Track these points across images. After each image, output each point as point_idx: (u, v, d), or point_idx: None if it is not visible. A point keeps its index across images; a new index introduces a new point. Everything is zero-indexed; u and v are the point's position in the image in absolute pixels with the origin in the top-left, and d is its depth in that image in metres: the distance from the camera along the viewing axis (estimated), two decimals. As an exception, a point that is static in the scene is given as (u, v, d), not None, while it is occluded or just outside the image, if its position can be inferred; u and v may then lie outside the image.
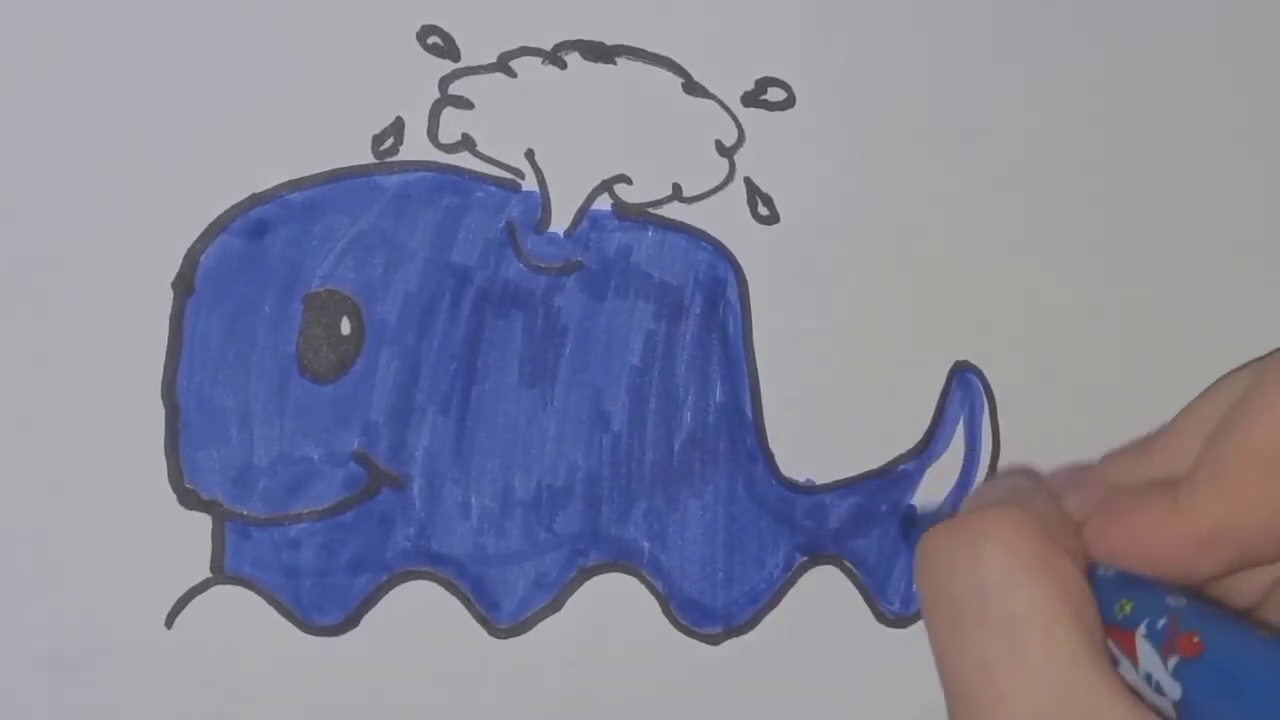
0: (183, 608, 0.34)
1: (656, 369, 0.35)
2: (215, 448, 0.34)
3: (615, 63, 0.34)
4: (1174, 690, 0.26)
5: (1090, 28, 0.36)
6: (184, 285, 0.33)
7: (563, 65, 0.34)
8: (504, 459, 0.35)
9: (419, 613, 0.34)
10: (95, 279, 0.33)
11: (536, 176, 0.34)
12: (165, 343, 0.33)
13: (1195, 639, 0.26)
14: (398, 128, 0.34)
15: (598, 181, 0.34)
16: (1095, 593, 0.28)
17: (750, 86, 0.35)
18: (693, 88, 0.34)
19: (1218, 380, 0.31)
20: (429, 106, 0.34)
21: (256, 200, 0.33)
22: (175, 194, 0.33)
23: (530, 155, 0.34)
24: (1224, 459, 0.27)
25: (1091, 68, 0.36)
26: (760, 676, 0.36)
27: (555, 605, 0.35)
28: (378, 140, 0.34)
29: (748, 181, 0.35)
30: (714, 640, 0.35)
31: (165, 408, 0.33)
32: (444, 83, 0.34)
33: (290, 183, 0.34)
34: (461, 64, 0.34)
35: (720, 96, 0.35)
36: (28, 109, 0.33)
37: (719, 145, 0.35)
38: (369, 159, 0.34)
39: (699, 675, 0.35)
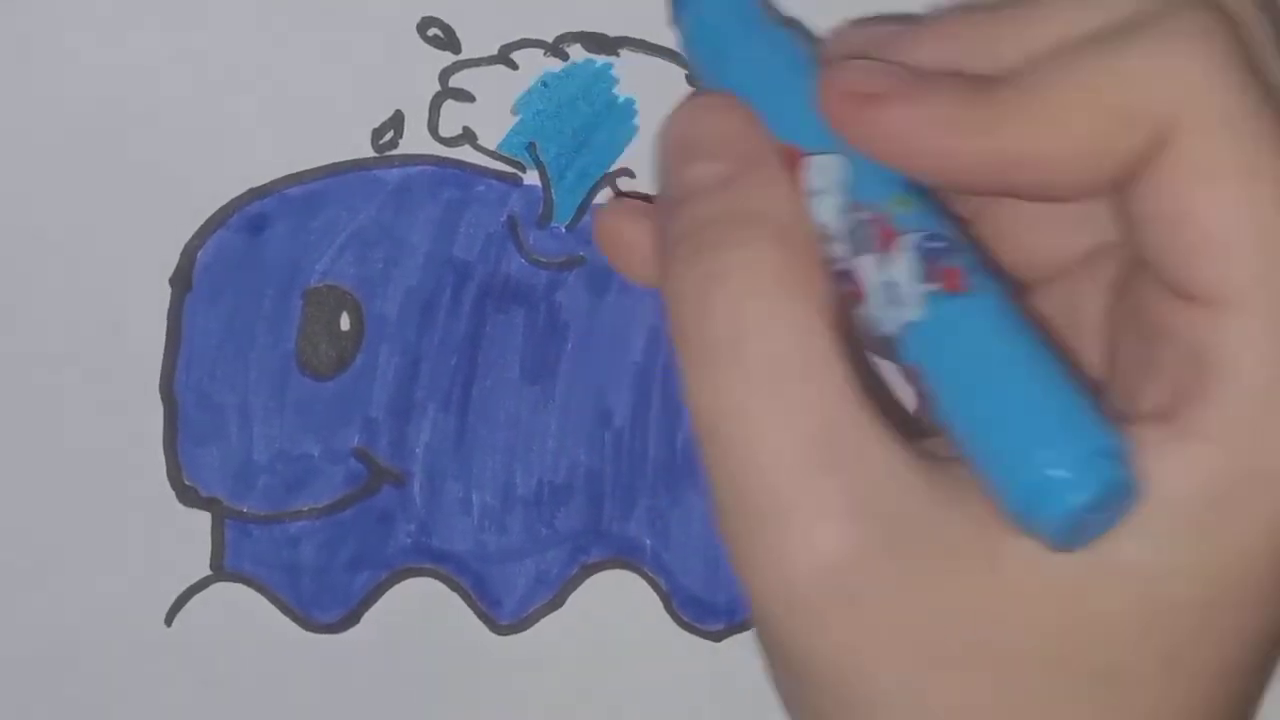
0: (182, 605, 0.34)
1: (659, 364, 0.35)
2: (215, 445, 0.33)
3: (618, 54, 0.34)
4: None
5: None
6: (182, 281, 0.33)
7: (565, 57, 0.34)
8: (505, 455, 0.34)
9: (420, 610, 0.34)
10: (93, 275, 0.33)
11: (538, 170, 0.34)
12: (164, 339, 0.33)
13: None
14: (398, 121, 0.33)
15: (600, 175, 0.34)
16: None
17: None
18: (696, 80, 0.34)
19: None
20: (429, 99, 0.33)
21: (255, 195, 0.33)
22: (173, 189, 0.33)
23: (532, 149, 0.34)
24: (1067, 85, 0.24)
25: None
26: (762, 673, 0.35)
27: (557, 602, 0.35)
28: (377, 134, 0.33)
29: (752, 175, 0.34)
30: (716, 637, 0.35)
31: (164, 405, 0.33)
32: (444, 75, 0.33)
33: (289, 177, 0.33)
34: (462, 56, 0.33)
35: (724, 89, 0.34)
36: (24, 104, 0.32)
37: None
38: (369, 153, 0.33)
39: (701, 672, 0.35)
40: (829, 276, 0.26)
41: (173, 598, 0.34)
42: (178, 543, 0.33)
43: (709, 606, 0.35)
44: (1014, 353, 0.24)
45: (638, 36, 0.34)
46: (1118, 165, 0.24)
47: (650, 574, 0.35)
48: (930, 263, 0.25)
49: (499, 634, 0.35)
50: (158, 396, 0.33)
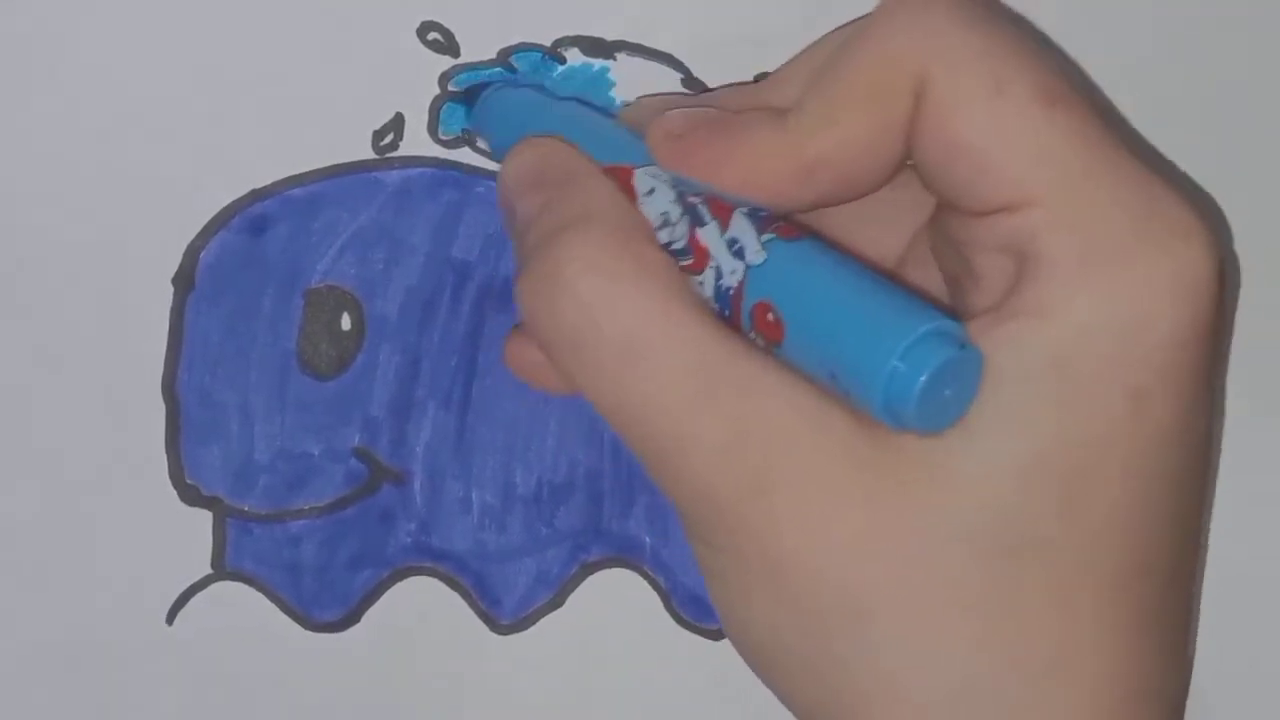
0: (184, 604, 0.34)
1: (657, 364, 0.35)
2: (216, 444, 0.34)
3: (615, 58, 0.34)
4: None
5: (1095, 30, 0.36)
6: (184, 281, 0.33)
7: (562, 61, 0.34)
8: (505, 454, 0.35)
9: (420, 609, 0.34)
10: (96, 275, 0.33)
11: (537, 172, 0.34)
12: (166, 339, 0.33)
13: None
14: (398, 124, 0.34)
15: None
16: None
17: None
18: (692, 83, 0.34)
19: (837, 28, 0.31)
20: (429, 102, 0.34)
21: (257, 196, 0.33)
22: (175, 190, 0.33)
23: (530, 150, 0.34)
24: (832, 84, 0.27)
25: (1092, 70, 0.36)
26: (763, 672, 0.36)
27: (557, 601, 0.35)
28: (378, 136, 0.34)
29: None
30: (716, 635, 0.35)
31: (166, 404, 0.33)
32: (444, 79, 0.34)
33: (290, 179, 0.34)
34: (461, 59, 0.34)
35: (720, 91, 0.35)
36: (27, 105, 0.33)
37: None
38: (369, 155, 0.34)
39: (701, 670, 0.35)
40: (663, 251, 0.28)
41: (174, 596, 0.34)
42: (179, 541, 0.34)
43: (709, 605, 0.35)
44: (846, 275, 0.26)
45: (634, 40, 0.34)
46: (898, 129, 0.26)
47: (650, 573, 0.35)
48: (763, 222, 0.27)
49: (499, 633, 0.35)
50: (159, 396, 0.33)
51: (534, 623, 0.35)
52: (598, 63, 0.34)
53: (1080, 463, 0.25)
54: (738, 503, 0.26)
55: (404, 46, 0.34)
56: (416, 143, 0.34)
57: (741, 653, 0.28)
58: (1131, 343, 0.25)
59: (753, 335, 0.27)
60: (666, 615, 0.35)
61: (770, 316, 0.27)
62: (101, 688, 0.33)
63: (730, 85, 0.33)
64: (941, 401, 0.25)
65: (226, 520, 0.34)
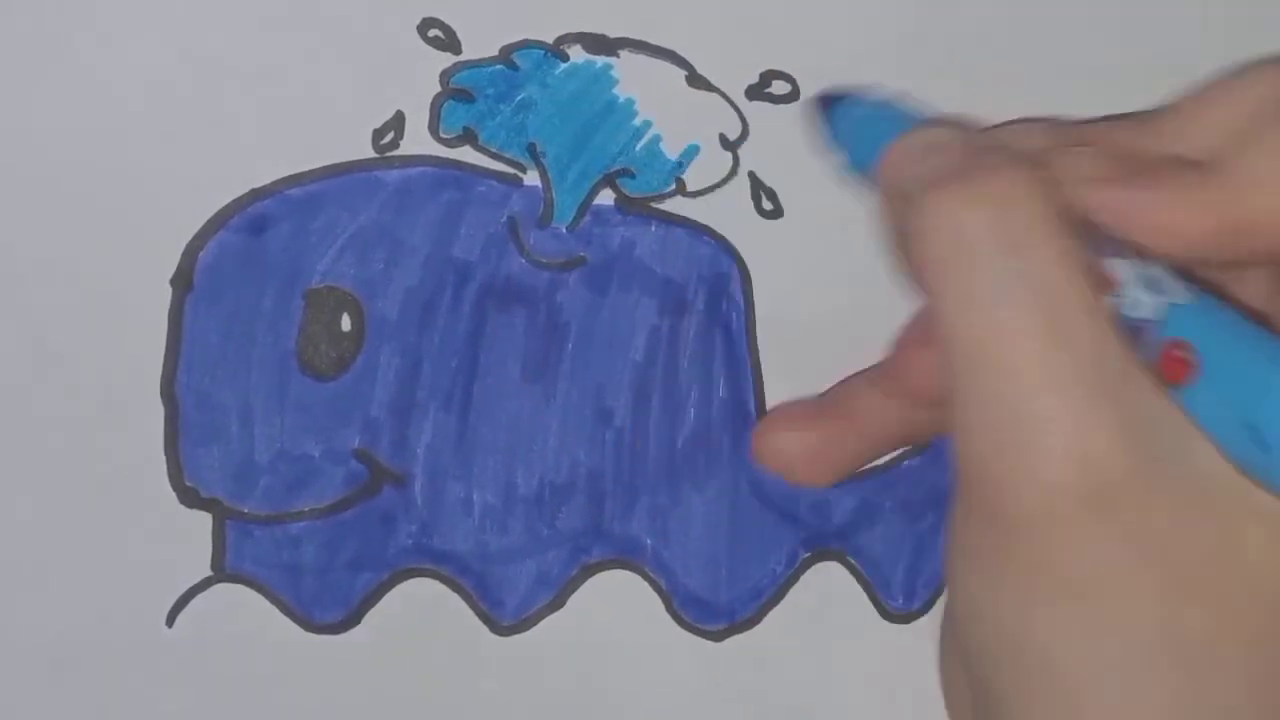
0: (184, 606, 0.34)
1: (659, 364, 0.35)
2: (215, 445, 0.33)
3: (618, 55, 0.34)
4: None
5: (1095, 27, 0.35)
6: (183, 282, 0.33)
7: (564, 58, 0.34)
8: (506, 455, 0.34)
9: (421, 610, 0.34)
10: (94, 275, 0.33)
11: (539, 171, 0.34)
12: (164, 340, 0.33)
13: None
14: (398, 122, 0.33)
15: (600, 175, 0.34)
16: None
17: (755, 80, 0.34)
18: (696, 81, 0.34)
19: (1239, 68, 0.29)
20: (430, 100, 0.33)
21: (256, 196, 0.33)
22: (174, 190, 0.33)
23: (533, 149, 0.34)
24: (1271, 142, 0.26)
25: (1097, 65, 0.36)
26: (763, 672, 0.36)
27: (558, 602, 0.35)
28: (378, 135, 0.33)
29: (752, 176, 0.35)
30: (717, 636, 0.35)
31: (165, 405, 0.33)
32: (445, 76, 0.33)
33: (290, 178, 0.33)
34: (463, 57, 0.33)
35: (724, 90, 0.34)
36: (26, 105, 0.32)
37: (723, 139, 0.34)
38: (369, 154, 0.33)
39: (702, 672, 0.35)
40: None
41: (174, 598, 0.33)
42: (179, 543, 0.33)
43: (710, 606, 0.35)
44: (1267, 333, 0.25)
45: (637, 37, 0.34)
46: None
47: (651, 574, 0.35)
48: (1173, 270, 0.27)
49: (500, 634, 0.35)
50: (159, 397, 0.33)
51: (535, 624, 0.35)
52: (600, 60, 0.34)
53: None
54: (1071, 515, 0.25)
55: (405, 44, 0.33)
56: (417, 142, 0.34)
57: (969, 643, 0.27)
58: None
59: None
60: (667, 616, 0.35)
61: (1184, 356, 0.26)
62: (101, 689, 0.33)
63: (1108, 118, 0.32)
64: None
65: (226, 522, 0.34)
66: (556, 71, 0.34)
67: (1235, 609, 0.25)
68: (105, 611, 0.33)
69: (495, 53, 0.34)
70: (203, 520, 0.34)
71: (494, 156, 0.34)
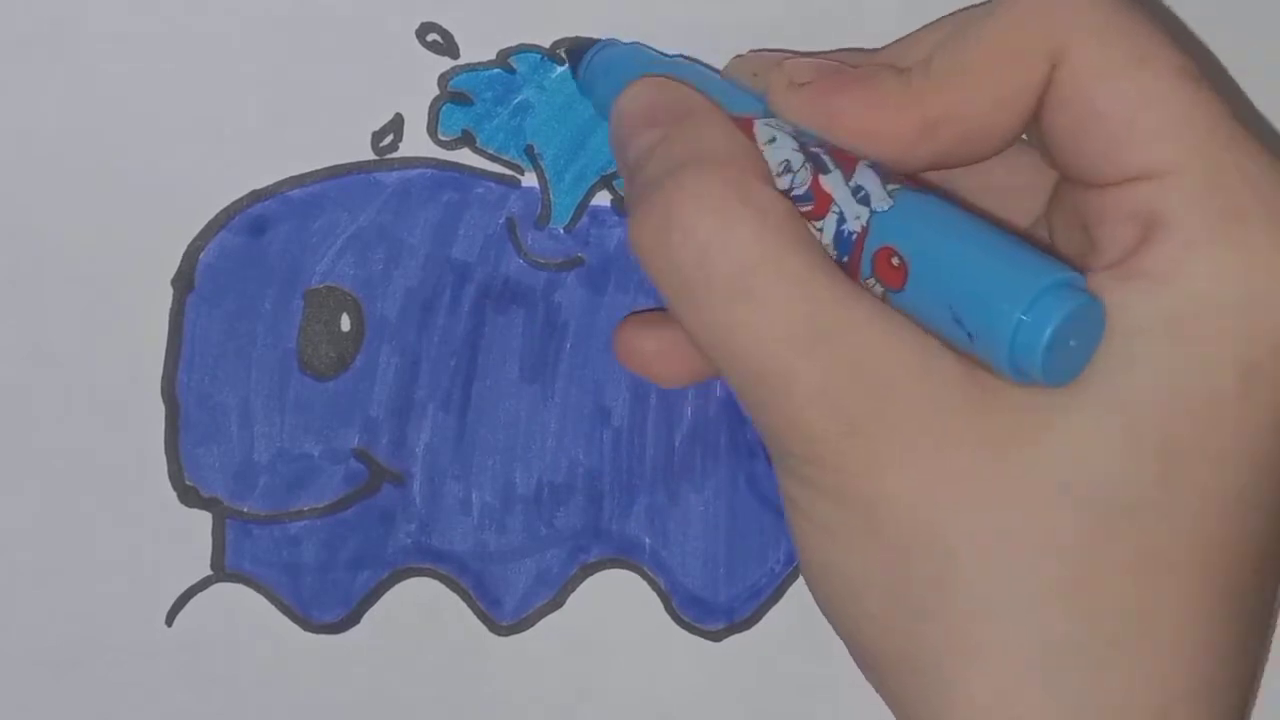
0: (183, 605, 0.34)
1: (657, 365, 0.35)
2: (215, 445, 0.34)
3: (614, 59, 0.34)
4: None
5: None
6: (184, 282, 0.33)
7: (562, 61, 0.34)
8: (505, 455, 0.35)
9: (420, 610, 0.34)
10: (95, 276, 0.33)
11: (536, 172, 0.34)
12: (165, 340, 0.33)
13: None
14: (397, 124, 0.34)
15: (598, 177, 0.35)
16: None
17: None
18: (692, 83, 0.35)
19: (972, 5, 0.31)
20: (428, 104, 0.34)
21: (256, 197, 0.33)
22: (175, 191, 0.33)
23: (530, 151, 0.34)
24: (964, 43, 0.27)
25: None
26: (763, 672, 0.36)
27: (557, 602, 0.35)
28: (377, 137, 0.34)
29: (747, 176, 0.35)
30: (716, 636, 0.35)
31: (165, 405, 0.33)
32: (443, 80, 0.34)
33: (290, 179, 0.34)
34: (461, 61, 0.34)
35: (719, 92, 0.35)
36: (28, 106, 0.33)
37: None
38: (369, 156, 0.34)
39: (701, 671, 0.35)
40: (780, 193, 0.28)
41: (173, 598, 0.34)
42: (178, 543, 0.34)
43: (708, 606, 0.35)
44: (972, 227, 0.26)
45: (634, 40, 0.34)
46: (1028, 95, 0.27)
47: (650, 573, 0.35)
48: (887, 175, 0.27)
49: (499, 634, 0.35)
50: (159, 397, 0.33)
51: (534, 623, 0.35)
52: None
53: (1185, 433, 0.25)
54: (838, 440, 0.26)
55: (403, 47, 0.34)
56: (416, 143, 0.34)
57: (817, 598, 0.28)
58: (1248, 318, 0.25)
59: (871, 282, 0.27)
60: (666, 616, 0.35)
61: (894, 261, 0.26)
62: (101, 689, 0.33)
63: (849, 49, 0.33)
64: (1065, 355, 0.25)
65: (226, 521, 0.34)
66: (553, 74, 0.34)
67: (1037, 503, 0.25)
68: (105, 610, 0.33)
69: (493, 56, 0.34)
70: (202, 520, 0.34)
71: (492, 159, 0.34)
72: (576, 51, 0.34)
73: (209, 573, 0.34)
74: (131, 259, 0.33)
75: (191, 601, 0.34)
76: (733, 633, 0.35)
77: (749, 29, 0.35)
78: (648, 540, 0.35)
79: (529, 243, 0.34)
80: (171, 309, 0.33)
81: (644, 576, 0.35)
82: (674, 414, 0.35)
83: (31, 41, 0.32)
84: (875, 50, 0.32)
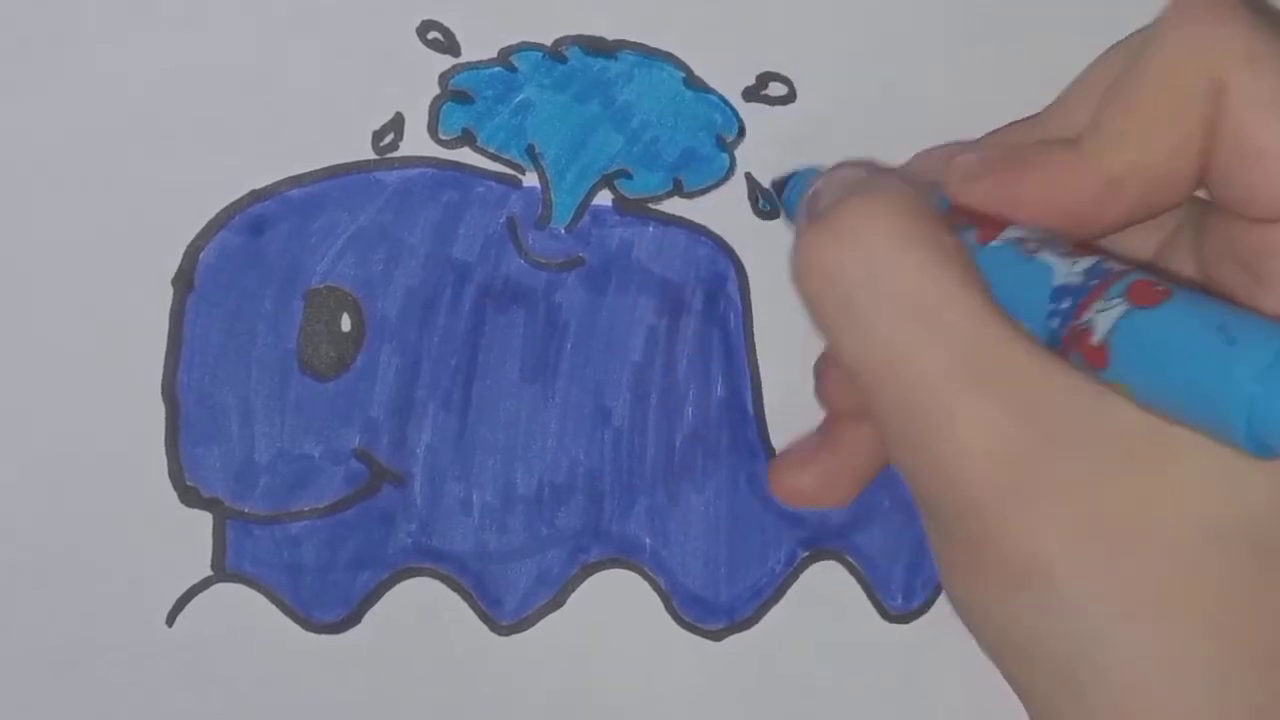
0: (184, 606, 0.34)
1: (658, 364, 0.35)
2: (216, 445, 0.34)
3: (616, 57, 0.34)
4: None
5: (1094, 25, 0.36)
6: (184, 282, 0.33)
7: (563, 60, 0.34)
8: (505, 455, 0.34)
9: (421, 610, 0.34)
10: (95, 276, 0.33)
11: (537, 172, 0.34)
12: (165, 340, 0.33)
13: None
14: (398, 124, 0.34)
15: (599, 176, 0.34)
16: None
17: (751, 81, 0.35)
18: (694, 82, 0.34)
19: (1104, 52, 0.30)
20: (429, 102, 0.34)
21: (256, 197, 0.33)
22: (175, 190, 0.33)
23: (531, 150, 0.34)
24: (1127, 101, 0.27)
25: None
26: (763, 672, 0.36)
27: (557, 602, 0.35)
28: (378, 136, 0.34)
29: (748, 177, 0.35)
30: (716, 636, 0.35)
31: (165, 405, 0.33)
32: (444, 78, 0.34)
33: (290, 179, 0.33)
34: (462, 59, 0.34)
35: (721, 91, 0.35)
36: (27, 106, 0.32)
37: (720, 140, 0.35)
38: (369, 155, 0.34)
39: (702, 671, 0.35)
40: (951, 230, 0.27)
41: (174, 598, 0.34)
42: (179, 543, 0.33)
43: (709, 606, 0.35)
44: (1186, 299, 0.25)
45: (635, 39, 0.34)
46: (1201, 133, 0.26)
47: (650, 573, 0.35)
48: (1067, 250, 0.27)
49: (499, 634, 0.35)
50: (159, 397, 0.33)
51: (534, 623, 0.35)
52: (598, 61, 0.34)
53: None
54: (996, 503, 0.25)
55: (404, 46, 0.34)
56: (416, 143, 0.34)
57: (980, 643, 0.28)
58: None
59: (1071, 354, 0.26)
60: (666, 616, 0.35)
61: (1093, 340, 0.25)
62: (101, 689, 0.33)
63: (1009, 124, 0.33)
64: None
65: (226, 522, 0.34)
66: (555, 73, 0.34)
67: (1188, 552, 0.25)
68: (105, 611, 0.33)
69: (494, 55, 0.34)
70: (203, 520, 0.34)
71: (493, 158, 0.34)
72: (780, 181, 0.34)
73: (210, 573, 0.34)
74: (131, 259, 0.33)
75: (192, 602, 0.34)
76: (733, 633, 0.35)
77: (749, 29, 0.34)
78: (648, 540, 0.35)
79: (530, 242, 0.34)
80: (171, 309, 0.33)
81: (644, 576, 0.35)
82: (675, 414, 0.35)
83: (31, 41, 0.32)
84: (1029, 120, 0.32)
